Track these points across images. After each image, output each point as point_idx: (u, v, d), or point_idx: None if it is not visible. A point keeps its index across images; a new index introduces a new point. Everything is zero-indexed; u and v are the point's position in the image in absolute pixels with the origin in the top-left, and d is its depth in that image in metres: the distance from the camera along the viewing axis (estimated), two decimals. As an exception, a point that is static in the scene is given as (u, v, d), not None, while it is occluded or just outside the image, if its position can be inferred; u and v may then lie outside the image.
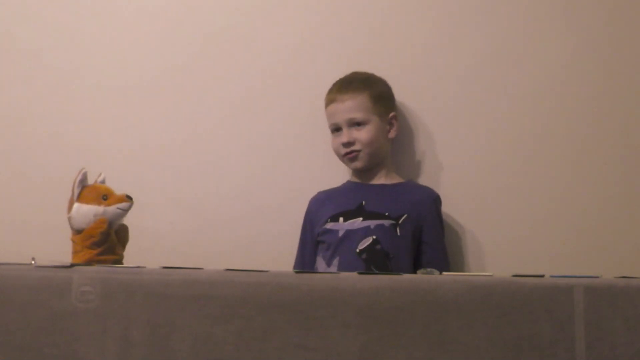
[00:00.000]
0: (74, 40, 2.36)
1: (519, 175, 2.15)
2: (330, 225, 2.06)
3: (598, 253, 2.06)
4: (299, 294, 1.27)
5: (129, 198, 1.63)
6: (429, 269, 1.46)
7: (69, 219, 1.61)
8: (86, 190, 1.62)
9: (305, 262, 2.11)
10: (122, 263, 1.60)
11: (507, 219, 2.13)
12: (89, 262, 1.53)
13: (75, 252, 1.59)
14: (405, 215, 2.04)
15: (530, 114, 2.16)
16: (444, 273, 1.39)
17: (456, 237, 2.14)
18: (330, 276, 1.34)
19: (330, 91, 2.12)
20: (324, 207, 2.11)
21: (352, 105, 2.08)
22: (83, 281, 1.28)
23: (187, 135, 2.29)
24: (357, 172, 2.15)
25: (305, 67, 2.25)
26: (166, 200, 2.25)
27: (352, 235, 2.03)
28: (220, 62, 2.30)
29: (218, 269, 1.31)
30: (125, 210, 1.62)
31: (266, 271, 1.30)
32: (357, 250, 2.00)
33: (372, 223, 2.03)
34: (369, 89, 2.09)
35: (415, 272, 1.74)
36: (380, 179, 2.13)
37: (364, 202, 2.07)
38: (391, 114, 2.11)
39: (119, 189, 1.64)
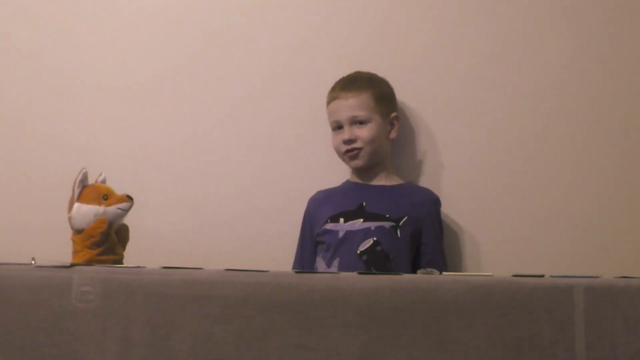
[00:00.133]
0: (74, 40, 2.36)
1: (518, 176, 2.15)
2: (330, 226, 2.06)
3: (598, 253, 2.06)
4: (299, 294, 1.27)
5: (129, 198, 1.63)
6: (429, 269, 1.46)
7: (69, 218, 1.60)
8: (86, 190, 1.61)
9: (304, 261, 2.11)
10: (122, 263, 1.60)
11: (507, 219, 2.13)
12: (89, 262, 1.53)
13: (75, 252, 1.59)
14: (405, 218, 2.04)
15: (530, 114, 2.16)
16: (444, 273, 1.39)
17: (456, 237, 2.14)
18: (330, 276, 1.34)
19: (333, 89, 2.12)
20: (324, 206, 2.12)
21: (354, 103, 2.08)
22: (83, 281, 1.28)
23: (187, 136, 2.29)
24: (357, 171, 2.15)
25: (305, 67, 2.26)
26: (166, 200, 2.25)
27: (353, 237, 2.03)
28: (220, 62, 2.30)
29: (218, 269, 1.31)
30: (126, 211, 1.62)
31: (266, 271, 1.30)
32: (358, 252, 2.00)
33: (372, 224, 2.03)
34: (372, 88, 2.10)
35: (414, 273, 1.74)
36: (380, 180, 2.13)
37: (364, 203, 2.07)
38: (393, 115, 2.12)
39: (119, 189, 1.64)
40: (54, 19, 2.37)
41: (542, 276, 1.30)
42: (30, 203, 2.28)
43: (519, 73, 2.17)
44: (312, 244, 2.12)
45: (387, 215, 2.04)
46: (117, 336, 1.26)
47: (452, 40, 2.21)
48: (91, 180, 1.64)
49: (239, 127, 2.27)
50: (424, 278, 1.32)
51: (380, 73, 2.14)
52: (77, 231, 1.59)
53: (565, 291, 1.26)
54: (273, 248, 2.18)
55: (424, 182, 2.17)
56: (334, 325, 1.25)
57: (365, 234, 2.02)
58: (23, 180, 2.31)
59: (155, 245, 2.09)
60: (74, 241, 1.60)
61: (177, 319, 1.26)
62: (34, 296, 1.28)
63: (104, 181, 1.66)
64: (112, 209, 1.61)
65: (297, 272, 1.33)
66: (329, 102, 2.13)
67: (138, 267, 1.32)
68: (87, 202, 1.60)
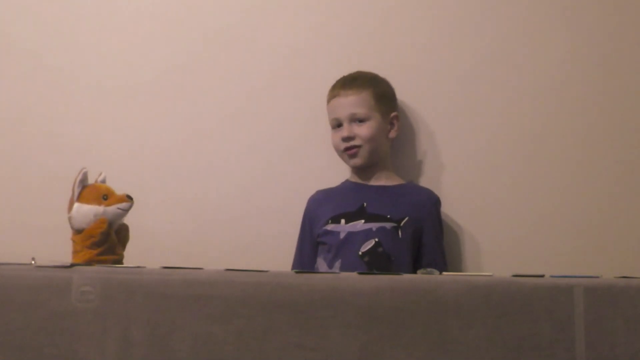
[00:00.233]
0: (74, 40, 2.36)
1: (519, 176, 2.15)
2: (331, 227, 2.06)
3: (598, 253, 2.06)
4: (299, 294, 1.27)
5: (129, 198, 1.62)
6: (429, 269, 1.46)
7: (69, 218, 1.60)
8: (86, 190, 1.61)
9: (304, 261, 2.11)
10: (122, 263, 1.60)
11: (507, 219, 2.13)
12: (89, 262, 1.52)
13: (75, 252, 1.59)
14: (406, 218, 2.04)
15: (530, 114, 2.16)
16: (444, 273, 1.39)
17: (456, 237, 2.14)
18: (330, 276, 1.34)
19: (334, 87, 2.12)
20: (324, 206, 2.11)
21: (355, 101, 2.08)
22: (83, 281, 1.28)
23: (187, 135, 2.29)
24: (356, 171, 2.15)
25: (305, 67, 2.25)
26: (166, 200, 2.25)
27: (354, 238, 2.02)
28: (220, 62, 2.30)
29: (218, 269, 1.31)
30: (126, 210, 1.62)
31: (266, 271, 1.30)
32: (360, 253, 2.00)
33: (373, 225, 2.03)
34: (372, 87, 2.10)
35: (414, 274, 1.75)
36: (380, 180, 2.13)
37: (365, 204, 2.07)
38: (393, 114, 2.12)
39: (119, 189, 1.64)
40: (54, 19, 2.37)
41: (542, 276, 1.31)
42: (30, 203, 2.28)
43: (519, 73, 2.17)
44: (311, 244, 2.12)
45: (388, 216, 2.04)
46: (117, 336, 1.26)
47: (452, 40, 2.20)
48: (91, 180, 1.64)
49: (239, 127, 2.27)
50: (424, 278, 1.32)
51: (381, 73, 2.14)
52: (77, 231, 1.59)
53: (565, 291, 1.26)
54: (273, 248, 2.18)
55: (424, 182, 2.17)
56: (334, 325, 1.25)
57: (366, 235, 2.02)
58: (23, 180, 2.31)
59: (155, 245, 2.09)
60: (74, 241, 1.60)
61: (177, 319, 1.26)
62: (34, 296, 1.28)
63: (103, 181, 1.66)
64: (112, 208, 1.61)
65: (297, 272, 1.33)
66: (329, 100, 2.13)
67: (138, 267, 1.32)
68: (87, 202, 1.60)
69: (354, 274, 1.31)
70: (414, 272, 1.98)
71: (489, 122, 2.17)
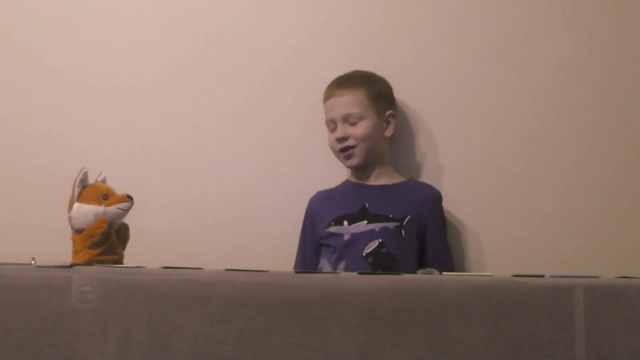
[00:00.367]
0: (74, 40, 2.36)
1: (518, 176, 2.15)
2: (334, 229, 2.06)
3: (598, 253, 2.06)
4: (299, 294, 1.27)
5: (129, 198, 1.62)
6: (429, 269, 1.46)
7: (70, 218, 1.60)
8: (87, 190, 1.61)
9: (306, 261, 2.11)
10: (122, 263, 1.60)
11: (508, 218, 2.13)
12: (89, 262, 1.52)
13: (75, 252, 1.59)
14: (409, 217, 2.04)
15: (531, 113, 2.16)
16: (444, 273, 1.39)
17: (456, 238, 2.14)
18: (330, 276, 1.34)
19: (329, 87, 2.12)
20: (325, 208, 2.11)
21: (348, 101, 2.08)
22: (83, 281, 1.28)
23: (187, 136, 2.29)
24: (355, 170, 2.14)
25: (305, 67, 2.25)
26: (166, 200, 2.25)
27: (358, 239, 2.02)
28: (220, 62, 2.30)
29: (218, 269, 1.31)
30: (126, 210, 1.62)
31: (266, 271, 1.30)
32: (364, 254, 1.99)
33: (377, 226, 2.03)
34: (367, 86, 2.09)
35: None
36: (380, 179, 2.12)
37: (366, 204, 2.06)
38: (388, 112, 2.11)
39: (119, 189, 1.64)
40: (54, 19, 2.37)
41: (542, 276, 1.31)
42: (30, 203, 2.28)
43: (519, 73, 2.17)
44: (313, 245, 2.11)
45: (391, 216, 2.04)
46: (117, 336, 1.26)
47: (452, 38, 2.20)
48: (91, 180, 1.64)
49: (239, 127, 2.27)
50: (424, 278, 1.32)
51: (381, 73, 2.14)
52: (77, 231, 1.59)
53: (565, 291, 1.26)
54: (273, 248, 2.18)
55: (425, 181, 2.17)
56: (334, 325, 1.25)
57: (370, 236, 2.01)
58: (23, 180, 2.31)
59: (155, 245, 2.09)
60: (74, 241, 1.60)
61: (177, 319, 1.26)
62: (34, 296, 1.28)
63: (104, 181, 1.66)
64: (112, 208, 1.61)
65: (297, 272, 1.33)
66: (324, 101, 2.13)
67: (138, 267, 1.32)
68: (87, 202, 1.60)
69: (354, 274, 1.31)
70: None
71: (489, 121, 2.17)
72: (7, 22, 2.38)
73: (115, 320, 1.27)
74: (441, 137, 2.18)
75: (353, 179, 2.16)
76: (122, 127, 2.31)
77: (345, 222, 2.05)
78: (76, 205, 1.60)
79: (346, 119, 2.08)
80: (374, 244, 2.00)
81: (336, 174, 2.18)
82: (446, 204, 2.11)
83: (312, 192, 2.15)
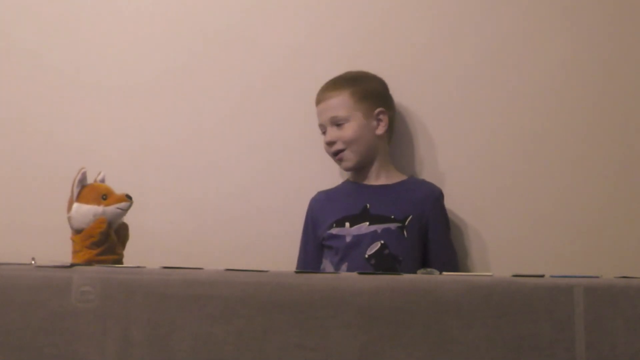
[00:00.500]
0: (74, 40, 2.36)
1: (518, 176, 2.15)
2: (336, 231, 2.05)
3: (598, 253, 2.06)
4: (299, 294, 1.27)
5: (128, 198, 1.62)
6: (429, 269, 1.46)
7: (69, 218, 1.60)
8: (86, 190, 1.61)
9: (307, 262, 2.10)
10: (122, 262, 1.60)
11: (508, 219, 2.13)
12: (88, 262, 1.52)
13: (75, 252, 1.59)
14: (410, 217, 2.03)
15: (531, 113, 2.16)
16: (444, 273, 1.39)
17: (457, 238, 2.14)
18: (330, 276, 1.34)
19: (318, 92, 2.12)
20: (326, 209, 2.10)
21: (334, 104, 2.08)
22: (83, 281, 1.28)
23: (187, 136, 2.29)
24: (353, 171, 2.14)
25: (305, 67, 2.25)
26: (166, 200, 2.25)
27: (360, 241, 2.01)
28: (220, 63, 2.30)
29: (218, 269, 1.31)
30: (125, 210, 1.62)
31: (266, 271, 1.30)
32: (366, 256, 1.99)
33: (378, 227, 2.02)
34: (352, 87, 2.08)
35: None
36: (380, 179, 2.12)
37: (368, 205, 2.06)
38: (377, 110, 2.08)
39: (118, 189, 1.64)
40: (54, 19, 2.37)
41: (542, 276, 1.30)
42: (30, 203, 2.28)
43: (520, 72, 2.17)
44: (315, 245, 2.11)
45: (392, 216, 2.03)
46: (117, 336, 1.26)
47: (452, 37, 2.20)
48: (90, 180, 1.64)
49: (239, 127, 2.27)
50: (424, 278, 1.32)
51: (381, 72, 2.14)
52: (77, 231, 1.59)
53: (565, 291, 1.26)
54: (273, 248, 2.18)
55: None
56: (334, 325, 1.25)
57: (372, 237, 2.01)
58: (23, 180, 2.31)
59: (155, 245, 2.09)
60: (73, 241, 1.60)
61: (177, 319, 1.26)
62: (34, 296, 1.28)
63: (103, 180, 1.66)
64: (112, 208, 1.60)
65: (297, 272, 1.33)
66: (316, 105, 2.13)
67: (138, 267, 1.32)
68: (87, 201, 1.60)
69: (354, 274, 1.31)
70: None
71: (489, 121, 2.17)
72: (7, 22, 2.38)
73: (115, 320, 1.27)
74: (442, 138, 2.18)
75: (353, 179, 2.16)
76: (121, 127, 2.31)
77: (347, 224, 2.05)
78: (75, 205, 1.60)
79: (334, 122, 2.08)
80: (376, 245, 1.99)
81: (336, 174, 2.19)
82: (447, 204, 2.11)
83: (312, 192, 2.15)
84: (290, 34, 2.27)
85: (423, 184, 2.12)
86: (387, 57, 2.21)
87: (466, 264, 2.14)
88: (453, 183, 2.15)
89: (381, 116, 2.09)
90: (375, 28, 2.24)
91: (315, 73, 2.21)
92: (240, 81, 2.28)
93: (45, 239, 2.01)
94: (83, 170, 1.62)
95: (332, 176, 2.18)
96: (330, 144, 2.08)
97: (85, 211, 1.59)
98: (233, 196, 2.25)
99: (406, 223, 2.02)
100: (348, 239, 2.03)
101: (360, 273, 1.32)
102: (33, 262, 1.36)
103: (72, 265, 1.32)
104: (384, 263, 1.97)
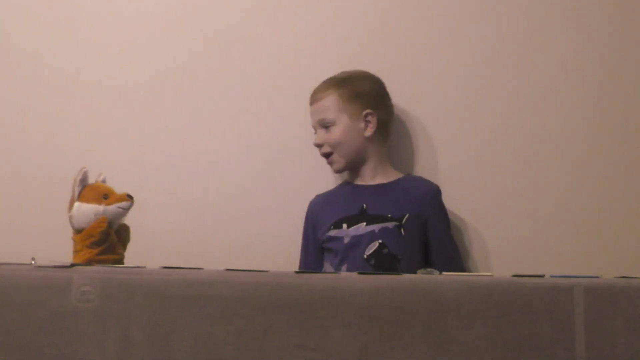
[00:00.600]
0: (74, 40, 2.36)
1: (518, 176, 2.15)
2: (334, 232, 2.05)
3: (598, 253, 2.06)
4: (299, 294, 1.27)
5: (129, 197, 1.63)
6: (429, 269, 1.46)
7: (70, 218, 1.60)
8: (87, 190, 1.62)
9: (309, 266, 2.09)
10: (122, 263, 1.60)
11: (508, 219, 2.13)
12: (88, 262, 1.53)
13: (75, 252, 1.59)
14: (407, 215, 2.02)
15: (531, 113, 2.16)
16: (444, 273, 1.39)
17: (456, 238, 2.13)
18: (330, 276, 1.34)
19: (311, 93, 2.12)
20: (325, 211, 2.10)
21: (322, 106, 2.08)
22: (83, 281, 1.28)
23: (187, 136, 2.29)
24: (349, 172, 2.14)
25: (304, 67, 2.25)
26: (166, 200, 2.25)
27: (358, 241, 2.01)
28: (220, 63, 2.30)
29: (218, 269, 1.31)
30: (126, 210, 1.62)
31: (266, 271, 1.30)
32: (365, 257, 1.99)
33: (376, 227, 2.02)
34: (339, 89, 2.07)
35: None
36: (376, 178, 2.11)
37: (365, 206, 2.06)
38: (365, 112, 2.07)
39: (119, 189, 1.64)
40: (54, 19, 2.37)
41: (542, 276, 1.31)
42: (30, 203, 2.28)
43: (519, 72, 2.17)
44: (315, 249, 2.10)
45: (389, 215, 2.03)
46: (117, 336, 1.26)
47: (451, 37, 2.20)
48: (91, 180, 1.65)
49: (239, 127, 2.27)
50: (424, 278, 1.32)
51: (380, 72, 2.14)
52: (77, 230, 1.59)
53: (565, 291, 1.26)
54: (273, 248, 2.18)
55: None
56: (334, 325, 1.25)
57: (370, 237, 2.00)
58: (23, 180, 2.31)
59: (155, 245, 2.09)
60: (74, 241, 1.60)
61: (177, 319, 1.26)
62: (34, 296, 1.28)
63: (104, 181, 1.66)
64: (112, 208, 1.61)
65: (297, 272, 1.33)
66: (309, 106, 2.13)
67: (138, 267, 1.32)
68: (88, 201, 1.60)
69: (354, 274, 1.32)
70: (426, 267, 1.97)
71: (489, 121, 2.17)
72: (7, 22, 2.38)
73: (115, 320, 1.27)
74: (442, 138, 2.18)
75: (349, 180, 2.15)
76: (122, 127, 2.31)
77: (345, 225, 2.04)
78: (76, 204, 1.60)
79: (322, 124, 2.08)
80: (375, 245, 1.99)
81: (335, 174, 2.18)
82: (447, 204, 2.10)
83: (312, 193, 2.15)
84: (290, 34, 2.27)
85: (420, 182, 2.11)
86: (387, 57, 2.21)
87: (466, 264, 2.14)
88: (453, 183, 2.15)
89: (369, 117, 2.07)
90: (374, 28, 2.24)
91: (315, 73, 2.20)
92: (240, 81, 2.28)
93: (45, 239, 2.01)
94: (84, 170, 1.62)
95: (331, 176, 2.18)
96: (318, 146, 2.09)
97: (86, 210, 1.59)
98: (233, 196, 2.25)
99: (403, 221, 2.02)
100: (346, 240, 2.03)
101: (360, 273, 1.32)
102: (33, 262, 1.36)
103: (72, 265, 1.32)
104: (384, 262, 1.97)
